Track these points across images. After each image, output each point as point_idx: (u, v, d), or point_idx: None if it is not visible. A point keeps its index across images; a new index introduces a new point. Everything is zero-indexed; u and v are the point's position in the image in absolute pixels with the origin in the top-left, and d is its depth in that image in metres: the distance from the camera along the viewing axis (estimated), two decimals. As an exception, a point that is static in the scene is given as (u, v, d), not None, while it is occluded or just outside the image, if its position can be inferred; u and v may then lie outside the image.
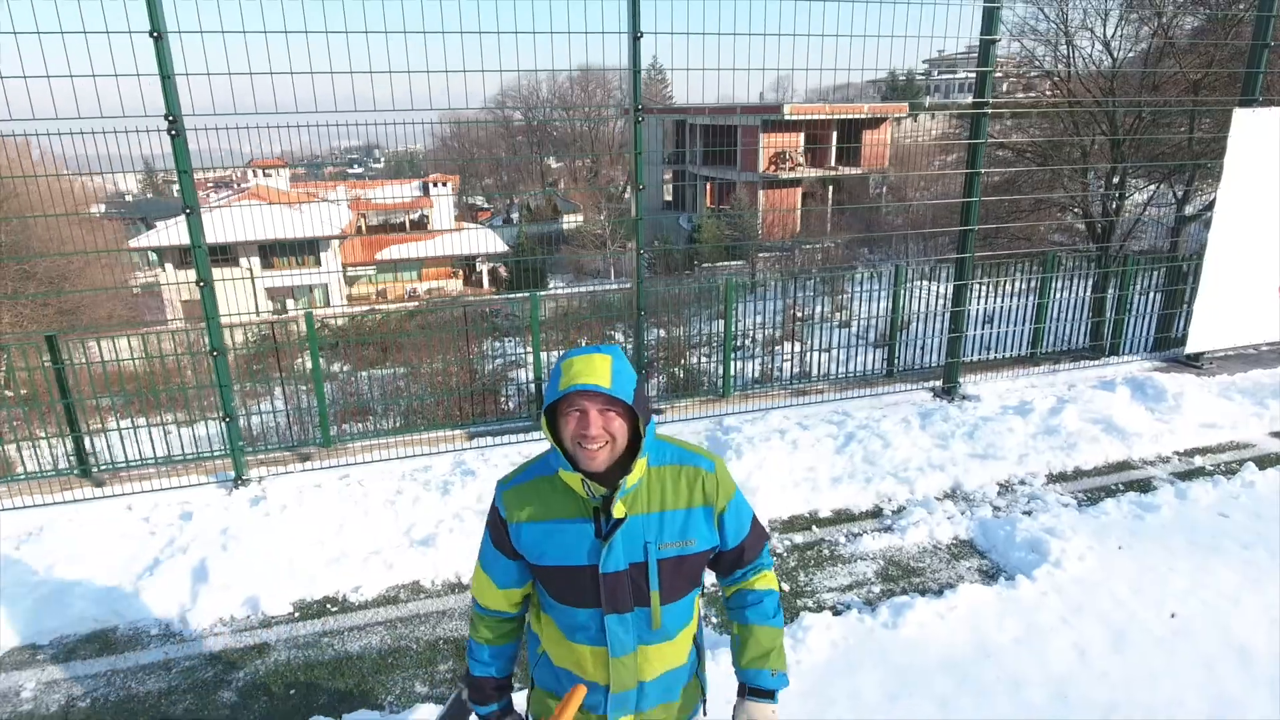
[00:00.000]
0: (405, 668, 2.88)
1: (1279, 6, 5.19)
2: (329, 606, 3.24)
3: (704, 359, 18.52)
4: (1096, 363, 5.85)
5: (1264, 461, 4.23)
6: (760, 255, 32.51)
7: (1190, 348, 5.64)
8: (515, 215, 75.97)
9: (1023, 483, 4.13)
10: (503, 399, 16.24)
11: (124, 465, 5.35)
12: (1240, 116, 5.18)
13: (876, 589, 3.28)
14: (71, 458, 5.27)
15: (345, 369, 26.19)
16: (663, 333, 22.10)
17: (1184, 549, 3.42)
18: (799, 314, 21.58)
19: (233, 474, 4.10)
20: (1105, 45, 12.70)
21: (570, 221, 63.65)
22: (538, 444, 4.60)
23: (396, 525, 3.61)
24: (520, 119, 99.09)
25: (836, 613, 3.03)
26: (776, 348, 19.17)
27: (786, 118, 39.13)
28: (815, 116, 39.92)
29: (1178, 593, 3.10)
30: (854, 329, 12.84)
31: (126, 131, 3.83)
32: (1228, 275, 5.52)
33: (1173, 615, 2.97)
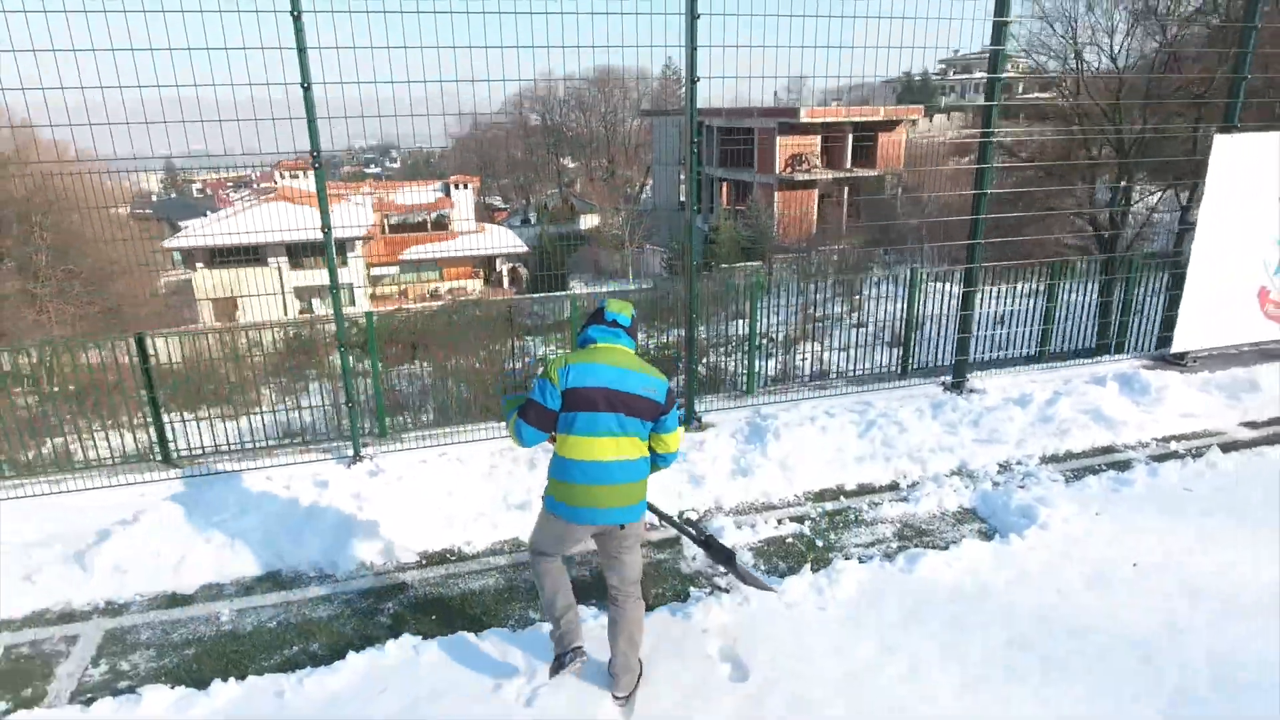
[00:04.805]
0: (519, 600, 3.63)
1: (1254, 43, 5.84)
2: (448, 556, 3.99)
3: (726, 358, 19.39)
4: (1091, 361, 6.52)
5: (1230, 446, 4.90)
6: (776, 257, 33.07)
7: (1176, 347, 6.29)
8: (532, 216, 76.73)
9: (1019, 463, 4.82)
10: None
11: (202, 452, 6.15)
12: (1220, 141, 5.84)
13: (894, 545, 3.99)
14: (155, 446, 6.05)
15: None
16: (682, 331, 22.54)
17: (1153, 514, 4.11)
18: (816, 315, 22.60)
19: (350, 452, 4.86)
20: (1112, 59, 13.28)
21: (588, 222, 64.38)
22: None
23: (496, 492, 4.36)
24: (537, 120, 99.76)
25: (861, 561, 3.74)
26: (795, 346, 19.97)
27: (803, 121, 39.68)
28: (831, 119, 40.44)
29: (1145, 548, 3.79)
30: (870, 329, 13.70)
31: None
32: (1209, 282, 6.17)
33: (1135, 565, 3.67)
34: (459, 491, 4.36)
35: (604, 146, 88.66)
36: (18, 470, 5.24)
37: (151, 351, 5.66)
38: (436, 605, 3.60)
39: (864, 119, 41.41)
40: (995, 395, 5.63)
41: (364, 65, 4.12)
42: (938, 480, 4.56)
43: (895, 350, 8.64)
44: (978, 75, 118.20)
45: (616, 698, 2.86)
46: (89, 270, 24.83)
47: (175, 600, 3.69)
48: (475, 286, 43.98)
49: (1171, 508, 4.17)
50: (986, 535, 4.05)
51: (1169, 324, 7.41)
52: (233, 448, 5.84)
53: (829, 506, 4.39)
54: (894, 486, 4.58)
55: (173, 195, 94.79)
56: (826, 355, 10.51)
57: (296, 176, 42.05)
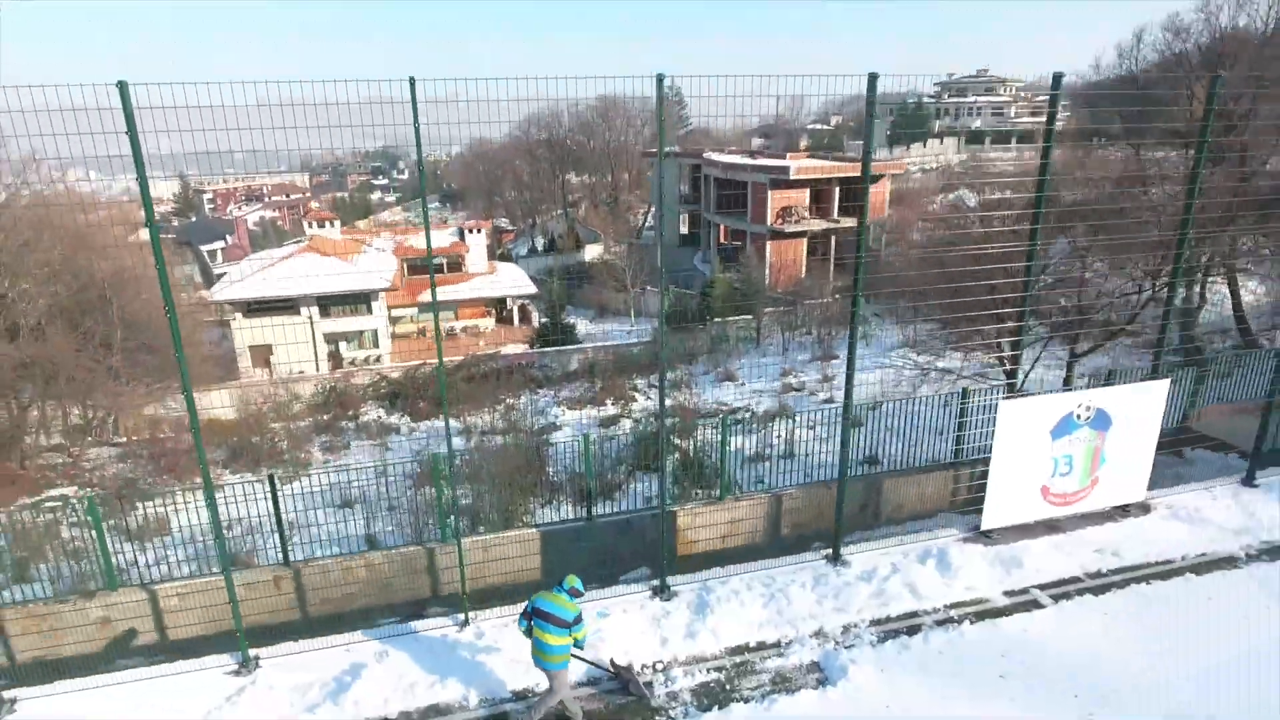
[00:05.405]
0: (567, 724, 6.96)
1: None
2: (527, 694, 7.33)
3: (712, 432, 23.35)
4: (930, 534, 9.82)
5: (983, 614, 8.21)
6: (766, 310, 36.30)
7: (984, 526, 9.60)
8: (539, 242, 79.84)
9: (855, 625, 8.13)
10: (551, 473, 20.49)
11: (321, 557, 9.68)
12: (1004, 405, 9.14)
13: (768, 689, 7.32)
14: (278, 553, 9.56)
15: (406, 420, 30.55)
16: (677, 395, 27.32)
17: (915, 672, 7.42)
18: (794, 384, 26.87)
19: (462, 618, 8.20)
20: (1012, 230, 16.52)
21: (592, 252, 67.61)
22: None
23: None
24: (543, 136, 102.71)
25: (745, 702, 7.07)
26: (771, 423, 23.73)
27: (792, 177, 42.92)
28: (819, 176, 43.65)
29: (899, 699, 7.10)
30: (835, 406, 17.93)
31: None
32: (1006, 483, 9.45)
33: (887, 706, 6.98)
34: (527, 648, 7.68)
35: (607, 165, 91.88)
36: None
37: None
38: (524, 726, 6.94)
39: (850, 174, 44.60)
40: (856, 568, 8.95)
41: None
42: (803, 641, 7.88)
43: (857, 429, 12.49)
44: (970, 99, 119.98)
45: None
46: (153, 339, 28.22)
47: (387, 722, 7.03)
48: (488, 325, 47.29)
49: (927, 668, 7.48)
50: (821, 683, 7.37)
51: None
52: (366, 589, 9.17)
53: (738, 660, 7.72)
54: (777, 644, 7.91)
55: (192, 218, 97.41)
56: (797, 434, 14.27)
57: (324, 226, 45.52)
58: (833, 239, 45.08)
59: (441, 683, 7.35)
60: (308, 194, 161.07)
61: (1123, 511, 10.13)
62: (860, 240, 8.39)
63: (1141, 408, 9.69)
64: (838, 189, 44.89)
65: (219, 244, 73.55)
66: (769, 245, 43.81)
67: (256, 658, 7.73)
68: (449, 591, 12.61)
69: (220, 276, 65.54)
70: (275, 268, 38.91)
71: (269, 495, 11.85)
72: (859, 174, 46.07)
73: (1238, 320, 24.29)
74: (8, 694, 7.31)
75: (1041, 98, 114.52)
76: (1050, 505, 9.75)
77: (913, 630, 8.05)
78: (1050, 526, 9.84)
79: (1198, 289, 23.13)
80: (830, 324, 34.73)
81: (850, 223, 45.04)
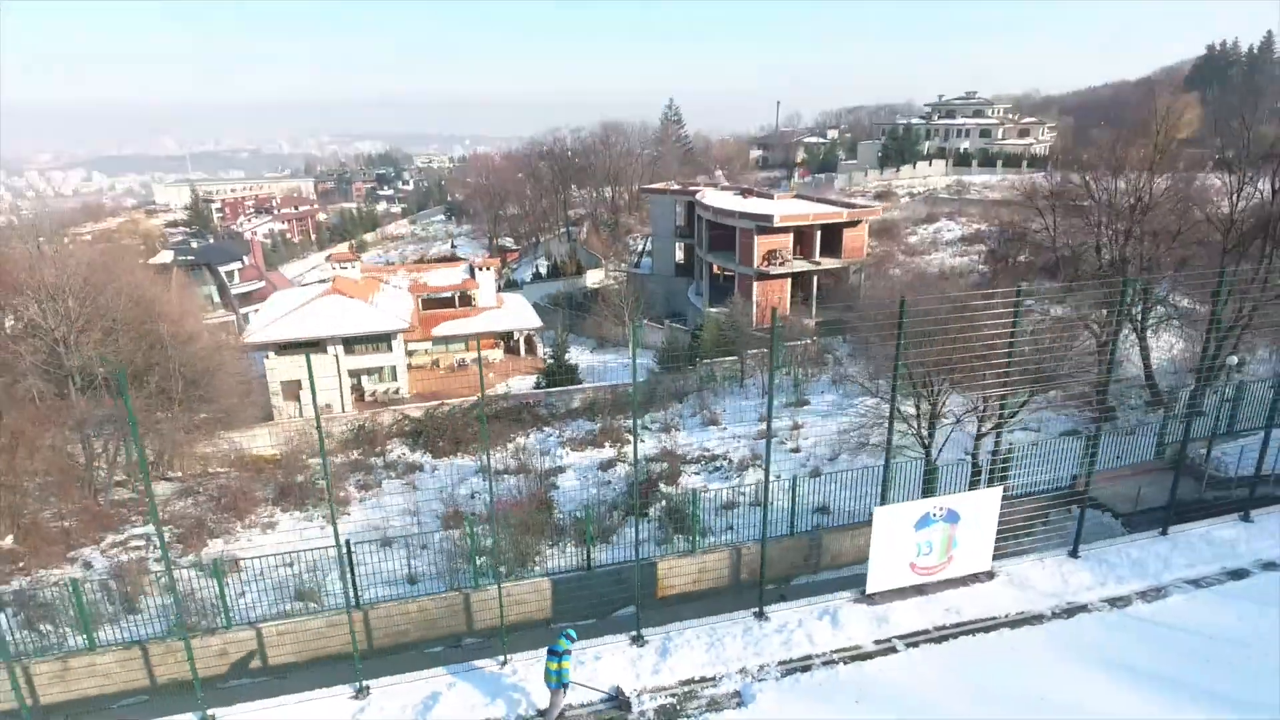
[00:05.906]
0: (573, 732, 10.89)
1: None
2: (565, 711, 11.23)
3: (694, 475, 28.21)
4: (830, 595, 13.71)
5: (855, 658, 12.09)
6: (750, 352, 40.15)
7: (868, 590, 13.49)
8: (542, 264, 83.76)
9: (767, 665, 12.01)
10: (557, 513, 24.77)
11: (379, 601, 13.66)
12: (879, 511, 13.02)
13: (703, 709, 11.22)
14: (349, 598, 13.40)
15: (428, 457, 35.31)
16: (664, 437, 32.67)
17: (802, 698, 11.33)
18: (767, 430, 31.06)
19: (502, 658, 12.09)
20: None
21: (593, 277, 71.51)
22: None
23: (578, 676, 11.60)
24: (548, 149, 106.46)
25: (688, 717, 10.98)
26: (744, 471, 28.30)
27: (776, 225, 46.80)
28: (802, 224, 47.53)
29: (790, 715, 11.00)
30: (801, 453, 22.93)
31: None
32: (883, 559, 13.32)
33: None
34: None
35: (607, 181, 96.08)
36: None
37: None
38: (546, 733, 10.86)
39: (831, 221, 48.48)
40: (774, 623, 12.85)
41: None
42: (730, 676, 11.77)
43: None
44: (959, 120, 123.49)
45: None
46: (207, 389, 32.19)
47: (458, 730, 10.94)
48: (496, 356, 51.23)
49: (810, 695, 11.37)
50: (738, 705, 11.24)
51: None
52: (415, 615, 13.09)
53: (686, 689, 11.61)
54: (714, 678, 11.80)
55: (209, 238, 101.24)
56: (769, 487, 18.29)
57: (346, 268, 49.42)
58: (815, 279, 48.94)
59: (492, 703, 11.27)
60: (314, 204, 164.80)
61: (974, 578, 14.02)
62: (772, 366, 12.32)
63: (982, 507, 13.58)
64: (819, 233, 48.76)
65: (235, 264, 77.35)
66: (755, 285, 47.70)
67: (368, 686, 11.64)
68: (481, 627, 16.56)
69: (238, 296, 69.36)
70: (305, 308, 42.89)
71: (346, 555, 15.71)
72: (838, 219, 50.16)
73: (1147, 379, 28.24)
74: (209, 710, 11.22)
75: (1027, 120, 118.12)
76: (917, 576, 13.64)
77: (805, 668, 11.94)
78: (919, 590, 13.73)
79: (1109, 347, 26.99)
80: (807, 364, 38.67)
81: (831, 263, 48.96)
